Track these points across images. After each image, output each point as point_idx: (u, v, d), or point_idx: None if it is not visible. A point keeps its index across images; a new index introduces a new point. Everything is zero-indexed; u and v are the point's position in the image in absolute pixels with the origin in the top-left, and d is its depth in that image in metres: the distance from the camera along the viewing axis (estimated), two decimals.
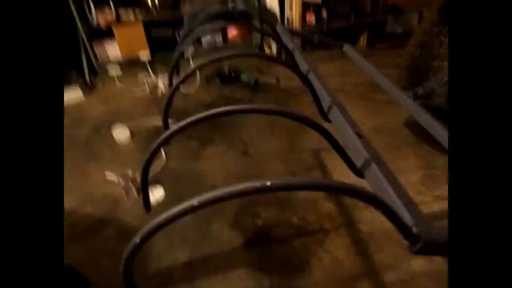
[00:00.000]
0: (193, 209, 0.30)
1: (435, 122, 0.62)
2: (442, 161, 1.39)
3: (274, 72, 2.52)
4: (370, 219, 1.15)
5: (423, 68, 1.22)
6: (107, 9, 2.44)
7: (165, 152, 1.60)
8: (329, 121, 0.55)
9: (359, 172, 0.44)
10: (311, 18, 2.70)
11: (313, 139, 1.66)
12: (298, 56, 0.74)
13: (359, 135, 0.44)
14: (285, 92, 2.28)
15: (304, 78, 0.58)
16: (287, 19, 2.76)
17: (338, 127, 0.48)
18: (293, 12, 2.67)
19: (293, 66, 0.64)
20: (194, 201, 0.31)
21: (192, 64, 2.59)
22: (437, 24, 1.25)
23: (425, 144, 1.55)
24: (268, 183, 0.31)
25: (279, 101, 2.15)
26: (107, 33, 2.49)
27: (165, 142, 0.41)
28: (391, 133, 1.66)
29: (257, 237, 1.12)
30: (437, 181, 1.29)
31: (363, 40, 2.95)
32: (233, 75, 2.37)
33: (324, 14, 2.72)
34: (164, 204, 1.28)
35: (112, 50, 2.61)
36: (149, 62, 2.48)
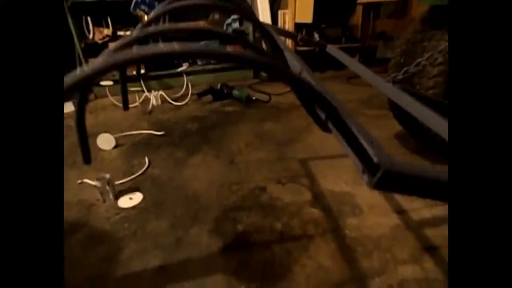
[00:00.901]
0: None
1: (414, 102, 0.60)
2: None
3: (266, 90, 2.55)
4: (357, 225, 1.08)
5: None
6: (104, 27, 2.52)
7: (149, 160, 1.55)
8: None
9: (325, 126, 0.40)
10: None
11: (301, 149, 1.63)
12: (275, 34, 0.74)
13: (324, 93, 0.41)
14: (276, 107, 2.28)
15: (276, 47, 0.57)
16: None
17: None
18: None
19: (268, 37, 0.63)
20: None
21: (185, 80, 2.62)
22: (420, 31, 1.27)
23: (416, 155, 1.52)
24: (177, 48, 0.28)
25: (270, 115, 2.14)
26: (103, 50, 2.54)
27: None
28: (382, 144, 1.63)
29: (237, 242, 1.04)
30: None
31: None
32: (225, 91, 2.39)
33: (316, 37, 2.81)
34: (141, 209, 1.21)
35: None
36: (142, 77, 2.51)
